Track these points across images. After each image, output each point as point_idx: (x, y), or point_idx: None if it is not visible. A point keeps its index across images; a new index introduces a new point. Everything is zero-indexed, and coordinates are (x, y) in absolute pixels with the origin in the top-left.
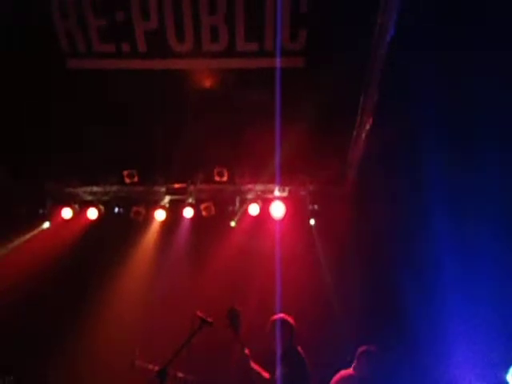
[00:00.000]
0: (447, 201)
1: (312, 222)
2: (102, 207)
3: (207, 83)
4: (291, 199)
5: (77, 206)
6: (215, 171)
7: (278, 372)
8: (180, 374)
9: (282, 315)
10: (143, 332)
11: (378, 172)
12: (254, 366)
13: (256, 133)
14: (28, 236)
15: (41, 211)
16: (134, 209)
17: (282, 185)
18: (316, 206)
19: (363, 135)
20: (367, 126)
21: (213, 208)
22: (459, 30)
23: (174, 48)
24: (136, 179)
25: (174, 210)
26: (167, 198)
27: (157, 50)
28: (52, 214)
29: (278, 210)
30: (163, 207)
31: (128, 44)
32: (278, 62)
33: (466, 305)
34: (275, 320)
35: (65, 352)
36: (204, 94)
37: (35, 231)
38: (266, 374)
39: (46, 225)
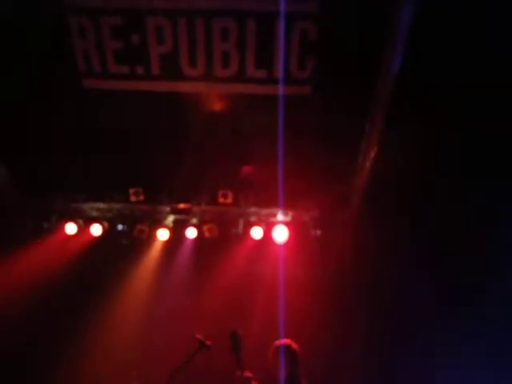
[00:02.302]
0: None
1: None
2: (106, 224)
3: (216, 107)
4: (294, 224)
5: (81, 222)
6: (220, 193)
7: None
8: None
9: (286, 341)
10: (142, 352)
11: (382, 201)
12: None
13: (261, 157)
14: (31, 250)
15: (45, 225)
16: (138, 227)
17: (286, 209)
18: (319, 232)
19: (368, 163)
20: (372, 154)
21: (216, 230)
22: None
23: (186, 72)
24: (142, 197)
25: (178, 230)
26: (171, 218)
27: (169, 73)
28: (57, 229)
29: (280, 234)
30: (167, 227)
31: (142, 66)
32: (281, 89)
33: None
34: (279, 346)
35: (63, 368)
36: (212, 117)
37: (39, 245)
38: None
39: (52, 239)
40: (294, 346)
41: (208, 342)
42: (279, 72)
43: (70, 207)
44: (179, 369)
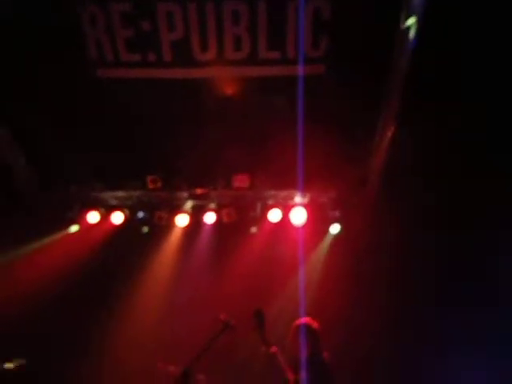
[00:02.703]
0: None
1: (333, 228)
2: (127, 211)
3: (229, 91)
4: (312, 205)
5: (103, 210)
6: (236, 177)
7: (303, 376)
8: (201, 376)
9: (306, 320)
10: (165, 335)
11: (399, 181)
12: (282, 362)
13: (277, 139)
14: (55, 239)
15: (68, 215)
16: (157, 214)
17: (303, 191)
18: (337, 213)
19: (384, 143)
20: (389, 134)
21: (234, 214)
22: None
23: (198, 57)
24: (159, 184)
25: (196, 216)
26: (189, 204)
27: (181, 60)
28: (80, 218)
29: (298, 216)
30: (185, 212)
31: (154, 53)
32: (300, 70)
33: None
34: (299, 325)
35: (87, 356)
36: (226, 101)
37: (62, 234)
38: (291, 374)
39: (75, 228)
40: (314, 324)
41: (232, 323)
42: (292, 53)
43: (91, 196)
44: (204, 349)
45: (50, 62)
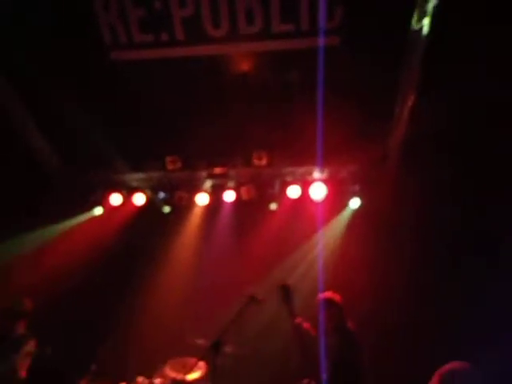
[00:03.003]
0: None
1: (352, 203)
2: (148, 192)
3: (244, 67)
4: (331, 180)
5: (125, 192)
6: (254, 155)
7: (329, 342)
8: (229, 349)
9: (328, 294)
10: (190, 311)
11: (422, 152)
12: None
13: (294, 115)
14: (80, 222)
15: (92, 198)
16: (178, 194)
17: (322, 166)
18: (356, 187)
19: (405, 113)
20: (409, 104)
21: (253, 191)
22: None
23: (211, 33)
24: (178, 165)
25: (216, 194)
26: (209, 183)
27: (194, 37)
28: (103, 200)
29: (318, 191)
30: (205, 191)
31: (166, 33)
32: (320, 41)
33: None
34: (322, 299)
35: (116, 330)
36: (242, 78)
37: (87, 217)
38: (313, 331)
39: (99, 211)
40: (337, 297)
41: (257, 296)
42: (306, 25)
43: (113, 179)
44: (231, 323)
45: (65, 49)
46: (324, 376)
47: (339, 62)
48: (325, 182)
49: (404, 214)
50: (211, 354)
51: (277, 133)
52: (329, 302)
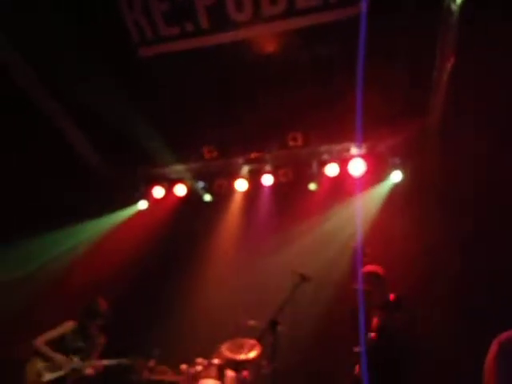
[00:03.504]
0: None
1: (396, 177)
2: (188, 183)
3: (272, 49)
4: (370, 155)
5: (166, 185)
6: (289, 136)
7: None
8: (283, 328)
9: (371, 267)
10: (240, 293)
11: (465, 118)
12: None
13: (326, 92)
14: (127, 216)
15: (135, 192)
16: (217, 182)
17: (360, 142)
18: (397, 160)
19: (444, 76)
20: (448, 66)
21: (291, 173)
22: None
23: (235, 18)
24: (215, 154)
25: (254, 179)
26: (246, 168)
27: (218, 24)
28: (147, 194)
29: (356, 167)
30: (243, 177)
31: (191, 23)
32: (363, 7)
33: None
34: (366, 272)
35: (172, 315)
36: (270, 60)
37: (133, 211)
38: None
39: (144, 204)
40: (380, 270)
41: (308, 276)
42: None
43: (154, 173)
44: (284, 304)
45: (94, 49)
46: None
47: (375, 31)
48: (363, 157)
49: (447, 187)
50: (268, 333)
51: (310, 112)
52: (373, 275)
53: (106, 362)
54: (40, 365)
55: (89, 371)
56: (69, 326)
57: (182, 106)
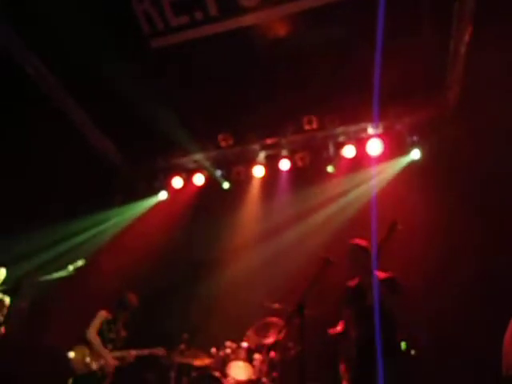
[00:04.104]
0: None
1: (414, 155)
2: (206, 172)
3: (283, 32)
4: (387, 134)
5: (185, 175)
6: (304, 120)
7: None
8: (309, 312)
9: (360, 240)
10: (263, 277)
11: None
12: None
13: (339, 73)
14: (149, 207)
15: (155, 184)
16: (234, 169)
17: (377, 121)
18: (415, 139)
19: (462, 48)
20: (466, 38)
21: (307, 157)
22: None
23: (244, 4)
24: (231, 141)
25: (271, 165)
26: (262, 154)
27: (228, 11)
28: (166, 185)
29: (374, 147)
30: (260, 163)
31: (200, 11)
32: None
33: None
34: (353, 245)
35: (200, 301)
36: (282, 43)
37: (154, 202)
38: None
39: (164, 195)
40: (363, 243)
41: (332, 259)
42: None
43: (172, 163)
44: (310, 287)
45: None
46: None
47: (391, 8)
48: (380, 137)
49: (467, 164)
50: (295, 316)
51: (325, 94)
52: (360, 248)
53: (138, 352)
54: (87, 353)
55: (128, 360)
56: (103, 315)
57: (195, 94)
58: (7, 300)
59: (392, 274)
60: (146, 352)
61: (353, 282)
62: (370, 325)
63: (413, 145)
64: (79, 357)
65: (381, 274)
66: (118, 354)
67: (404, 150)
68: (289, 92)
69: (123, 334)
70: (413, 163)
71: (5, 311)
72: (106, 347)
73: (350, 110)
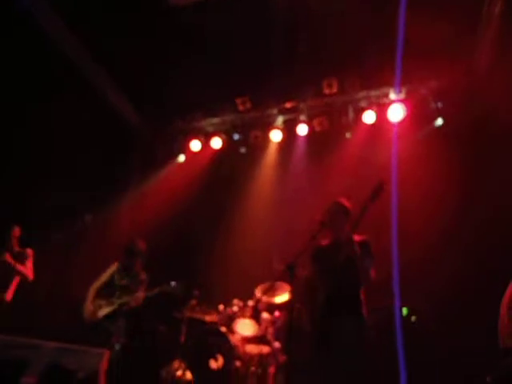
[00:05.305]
0: None
1: (437, 122)
2: (224, 136)
3: None
4: (410, 100)
5: (203, 138)
6: (324, 83)
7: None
8: (302, 272)
9: (344, 200)
10: (276, 239)
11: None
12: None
13: (361, 34)
14: (168, 170)
15: (174, 147)
16: (252, 133)
17: (400, 86)
18: (440, 104)
19: (496, 9)
20: (496, 11)
21: (326, 122)
22: None
23: None
24: (249, 105)
25: (289, 129)
26: (280, 119)
27: None
28: (184, 148)
29: (395, 113)
30: (278, 128)
31: None
32: None
33: None
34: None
35: (210, 259)
36: (299, 5)
37: (172, 165)
38: None
39: (181, 158)
40: (346, 203)
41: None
42: None
43: (190, 126)
44: (304, 249)
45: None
46: None
47: None
48: (403, 102)
49: (495, 133)
50: (286, 276)
51: (346, 56)
52: (343, 209)
53: (148, 293)
54: (95, 303)
55: (133, 304)
56: (114, 266)
57: (214, 56)
58: (30, 251)
59: (366, 237)
60: (155, 291)
61: (325, 242)
62: (337, 283)
63: (437, 111)
64: (89, 307)
65: (356, 237)
66: (120, 300)
67: (427, 117)
68: (308, 55)
69: (143, 277)
70: (436, 131)
71: (28, 263)
72: (114, 295)
73: (372, 74)
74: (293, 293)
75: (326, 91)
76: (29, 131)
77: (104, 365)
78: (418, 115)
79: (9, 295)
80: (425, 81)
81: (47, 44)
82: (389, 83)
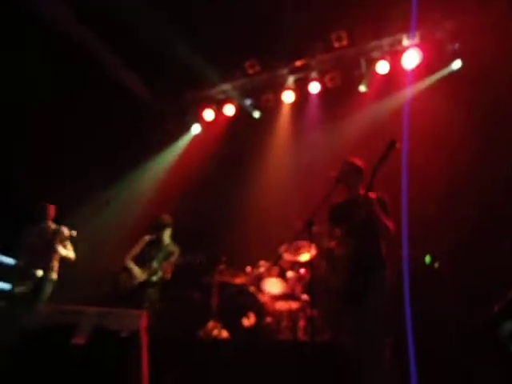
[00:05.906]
0: None
1: (455, 65)
2: (236, 102)
3: None
4: (425, 43)
5: (215, 106)
6: (333, 37)
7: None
8: (317, 229)
9: (354, 158)
10: (294, 199)
11: None
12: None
13: None
14: (184, 140)
15: (187, 117)
16: (264, 97)
17: (413, 30)
18: (457, 46)
19: None
20: None
21: (338, 77)
22: None
23: None
24: (258, 68)
25: (301, 89)
26: (291, 78)
27: None
28: (198, 118)
29: (411, 60)
30: (289, 88)
31: None
32: None
33: None
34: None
35: (235, 224)
36: None
37: (188, 135)
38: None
39: (197, 129)
40: (358, 162)
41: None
42: None
43: (201, 95)
44: (320, 206)
45: None
46: None
47: None
48: (418, 46)
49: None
50: (304, 233)
51: (354, 4)
52: (356, 168)
53: (175, 261)
54: (129, 274)
55: (163, 274)
56: (144, 240)
57: (218, 19)
58: (66, 231)
59: (380, 194)
60: (182, 260)
61: (339, 200)
62: (359, 242)
63: (454, 54)
64: (123, 277)
65: (372, 194)
66: (151, 271)
67: (444, 60)
68: (314, 6)
69: (171, 248)
70: (453, 74)
71: (66, 241)
72: (145, 266)
73: (383, 21)
74: (316, 249)
75: (336, 45)
76: (43, 112)
77: (144, 322)
78: (434, 60)
79: (54, 275)
80: (440, 22)
81: (54, 24)
82: (401, 29)
